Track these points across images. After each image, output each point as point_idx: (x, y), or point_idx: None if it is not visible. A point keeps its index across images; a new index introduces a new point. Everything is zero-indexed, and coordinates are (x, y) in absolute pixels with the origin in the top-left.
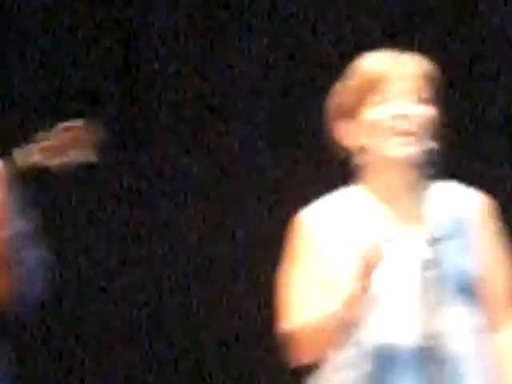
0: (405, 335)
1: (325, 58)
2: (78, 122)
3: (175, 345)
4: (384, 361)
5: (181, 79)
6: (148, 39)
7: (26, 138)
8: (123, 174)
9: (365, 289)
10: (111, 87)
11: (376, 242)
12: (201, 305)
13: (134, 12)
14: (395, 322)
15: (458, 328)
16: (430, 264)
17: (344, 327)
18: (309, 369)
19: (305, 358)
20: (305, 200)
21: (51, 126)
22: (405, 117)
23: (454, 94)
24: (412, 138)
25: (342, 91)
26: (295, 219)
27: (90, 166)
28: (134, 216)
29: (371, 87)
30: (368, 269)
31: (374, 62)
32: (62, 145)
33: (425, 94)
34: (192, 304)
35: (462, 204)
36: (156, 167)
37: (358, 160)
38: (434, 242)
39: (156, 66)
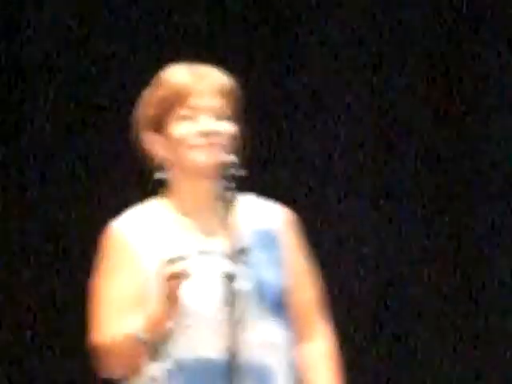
0: (211, 349)
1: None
2: None
3: None
4: (192, 375)
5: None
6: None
7: None
8: None
9: (171, 311)
10: None
11: (177, 258)
12: None
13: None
14: (201, 335)
15: (266, 340)
16: (234, 277)
17: (150, 345)
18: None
19: (113, 372)
20: (113, 210)
21: None
22: (208, 133)
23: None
24: (215, 153)
25: (147, 102)
26: (106, 229)
27: None
28: None
29: (176, 101)
30: (172, 290)
31: (180, 75)
32: None
33: (228, 110)
34: None
35: (267, 217)
36: None
37: (164, 172)
38: (238, 254)
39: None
